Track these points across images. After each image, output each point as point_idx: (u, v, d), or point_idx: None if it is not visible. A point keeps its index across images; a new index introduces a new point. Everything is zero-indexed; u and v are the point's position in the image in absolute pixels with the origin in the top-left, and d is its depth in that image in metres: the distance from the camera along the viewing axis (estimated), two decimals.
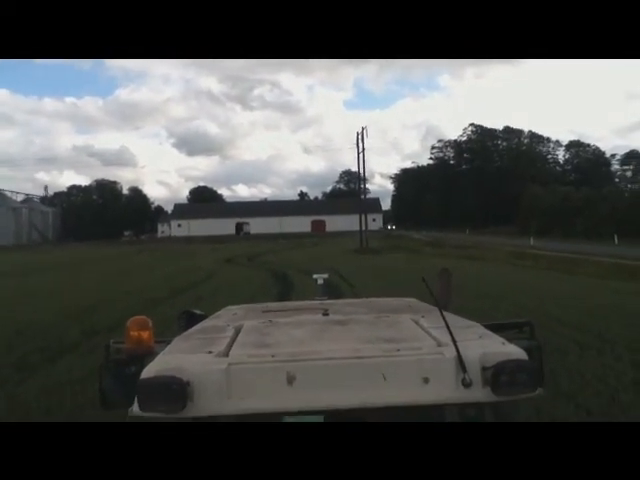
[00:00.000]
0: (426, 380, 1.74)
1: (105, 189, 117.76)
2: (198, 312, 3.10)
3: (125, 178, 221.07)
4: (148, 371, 1.78)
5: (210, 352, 1.92)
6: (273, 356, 1.84)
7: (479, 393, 1.73)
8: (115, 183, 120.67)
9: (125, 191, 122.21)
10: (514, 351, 1.82)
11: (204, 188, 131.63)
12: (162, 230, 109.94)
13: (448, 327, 1.83)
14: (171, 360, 1.87)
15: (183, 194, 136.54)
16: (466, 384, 1.71)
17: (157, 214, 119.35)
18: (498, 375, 1.71)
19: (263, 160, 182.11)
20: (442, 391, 1.73)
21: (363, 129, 48.55)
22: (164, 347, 2.18)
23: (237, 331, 2.33)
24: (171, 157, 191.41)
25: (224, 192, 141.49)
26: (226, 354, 1.91)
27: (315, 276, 3.42)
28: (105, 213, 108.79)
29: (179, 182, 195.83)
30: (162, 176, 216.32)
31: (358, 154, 48.59)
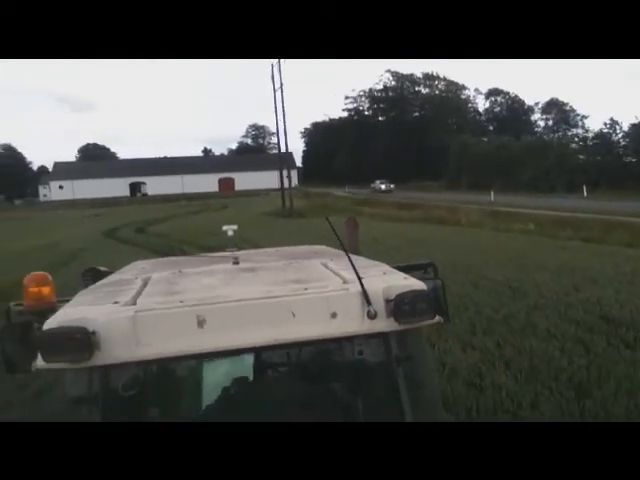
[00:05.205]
0: (334, 315, 1.84)
1: None
2: (103, 269, 3.02)
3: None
4: (50, 323, 1.75)
5: (116, 302, 1.89)
6: (182, 302, 1.84)
7: (383, 323, 1.86)
8: None
9: None
10: (414, 283, 1.94)
11: (95, 145, 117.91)
12: (44, 194, 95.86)
13: (353, 264, 1.90)
14: (74, 311, 1.84)
15: (72, 154, 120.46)
16: (371, 316, 1.84)
17: (39, 176, 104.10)
18: (399, 305, 1.84)
19: (159, 115, 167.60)
20: (349, 324, 1.85)
21: (279, 60, 39.27)
22: None
23: (145, 282, 2.28)
24: (55, 114, 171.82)
25: (118, 150, 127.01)
26: (133, 303, 1.89)
27: (225, 227, 3.14)
28: None
29: (65, 141, 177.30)
30: (46, 135, 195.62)
31: (275, 91, 39.43)
